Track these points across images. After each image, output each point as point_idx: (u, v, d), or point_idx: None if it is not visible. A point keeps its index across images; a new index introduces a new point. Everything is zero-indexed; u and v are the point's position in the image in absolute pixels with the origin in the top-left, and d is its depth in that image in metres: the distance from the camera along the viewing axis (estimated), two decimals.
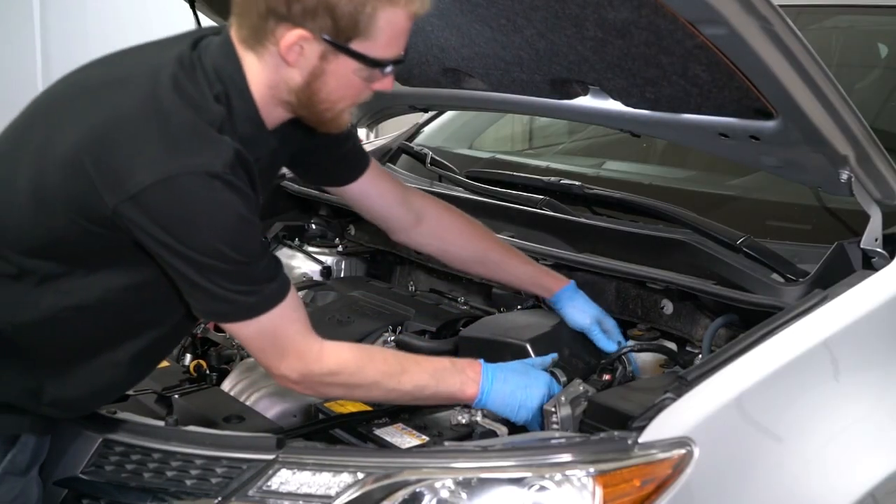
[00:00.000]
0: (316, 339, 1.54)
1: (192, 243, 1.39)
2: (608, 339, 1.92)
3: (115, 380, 1.61)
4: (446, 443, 1.62)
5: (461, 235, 1.97)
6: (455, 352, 1.97)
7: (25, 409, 1.53)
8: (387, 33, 1.44)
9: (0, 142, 1.57)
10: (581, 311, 1.93)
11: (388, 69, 1.51)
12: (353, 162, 1.86)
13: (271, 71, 1.47)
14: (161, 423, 1.66)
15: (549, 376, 1.70)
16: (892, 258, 1.68)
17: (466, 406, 1.75)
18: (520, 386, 1.65)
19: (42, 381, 1.53)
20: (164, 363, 2.06)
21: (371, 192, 1.89)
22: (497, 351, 1.85)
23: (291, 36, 1.41)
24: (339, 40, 1.43)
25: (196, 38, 1.53)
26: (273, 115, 1.53)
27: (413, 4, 1.45)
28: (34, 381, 1.53)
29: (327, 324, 2.12)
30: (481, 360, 1.67)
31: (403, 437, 1.66)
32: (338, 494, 1.39)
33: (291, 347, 1.51)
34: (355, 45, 1.44)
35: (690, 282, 1.82)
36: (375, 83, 1.52)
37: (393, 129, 3.09)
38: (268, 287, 1.47)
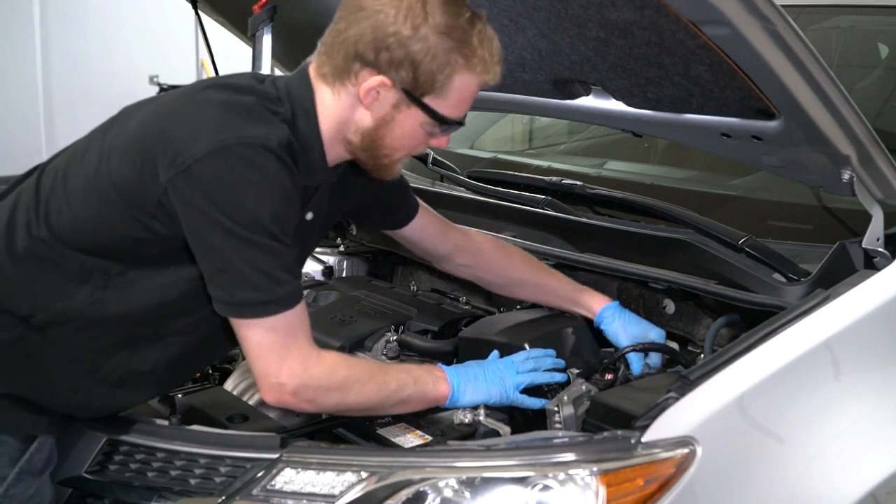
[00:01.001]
0: (314, 344, 1.56)
1: (237, 214, 1.43)
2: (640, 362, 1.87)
3: (137, 388, 1.62)
4: (449, 442, 1.63)
5: (497, 263, 2.04)
6: (455, 352, 1.97)
7: (46, 409, 1.54)
8: (457, 95, 1.55)
9: (79, 143, 1.63)
10: (623, 332, 1.93)
11: (451, 129, 1.61)
12: (406, 210, 1.96)
13: (344, 108, 1.56)
14: (165, 423, 1.67)
15: (497, 363, 1.77)
16: (893, 258, 1.68)
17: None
18: (479, 374, 1.72)
19: (70, 383, 1.55)
20: None
21: (419, 234, 1.99)
22: (497, 351, 1.85)
23: (373, 81, 1.51)
24: (416, 93, 1.52)
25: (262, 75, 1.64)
26: (333, 151, 1.61)
27: (487, 74, 1.56)
28: (63, 382, 1.54)
29: (329, 323, 2.13)
30: (439, 364, 1.75)
31: (406, 437, 1.66)
32: (341, 493, 1.39)
33: (296, 350, 1.52)
34: (428, 100, 1.53)
35: (692, 281, 1.82)
36: (433, 139, 1.62)
37: None
38: (294, 283, 1.51)
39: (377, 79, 1.51)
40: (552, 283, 2.03)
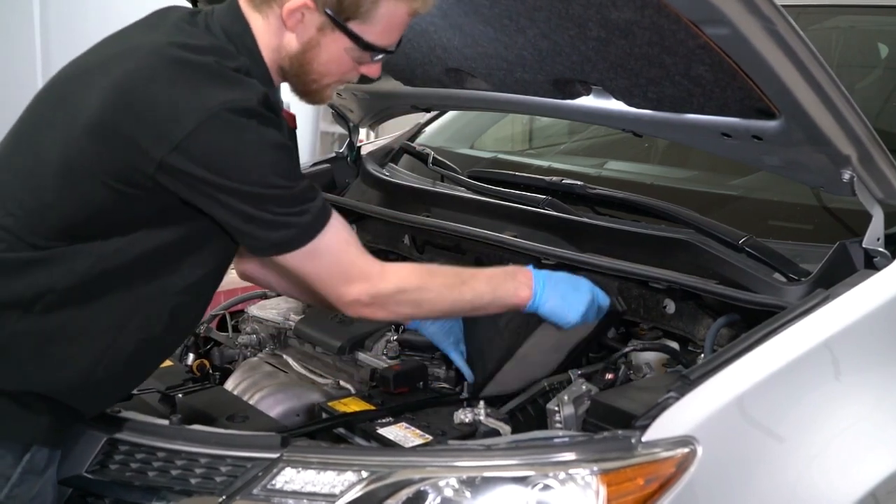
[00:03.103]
0: (375, 261, 1.59)
1: (242, 177, 1.44)
2: None
3: (150, 356, 1.62)
4: (450, 441, 1.63)
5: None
6: None
7: (49, 410, 1.51)
8: (384, 22, 1.53)
9: (16, 133, 1.59)
10: None
11: (379, 56, 1.59)
12: None
13: (273, 34, 1.55)
14: (165, 422, 1.67)
15: (591, 283, 1.79)
16: (893, 258, 1.68)
17: (469, 405, 1.76)
18: (569, 290, 1.74)
19: (87, 363, 1.52)
20: (168, 362, 2.08)
21: None
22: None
23: (296, 2, 1.50)
24: (340, 17, 1.51)
25: (191, 11, 1.59)
26: (275, 78, 1.61)
27: (416, 2, 1.54)
28: (76, 365, 1.51)
29: (330, 323, 2.13)
30: (531, 266, 1.75)
31: (407, 436, 1.66)
32: (342, 493, 1.39)
33: (355, 270, 1.56)
34: (353, 26, 1.52)
35: (693, 281, 1.82)
36: (364, 66, 1.61)
37: (394, 129, 3.10)
38: (314, 205, 1.51)
39: (300, 0, 1.50)
40: None
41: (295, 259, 1.52)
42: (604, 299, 1.80)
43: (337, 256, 1.55)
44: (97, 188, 1.46)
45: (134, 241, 1.51)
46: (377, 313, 1.61)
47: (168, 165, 1.42)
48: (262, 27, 1.55)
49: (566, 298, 1.72)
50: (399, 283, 1.59)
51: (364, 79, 1.68)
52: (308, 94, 1.64)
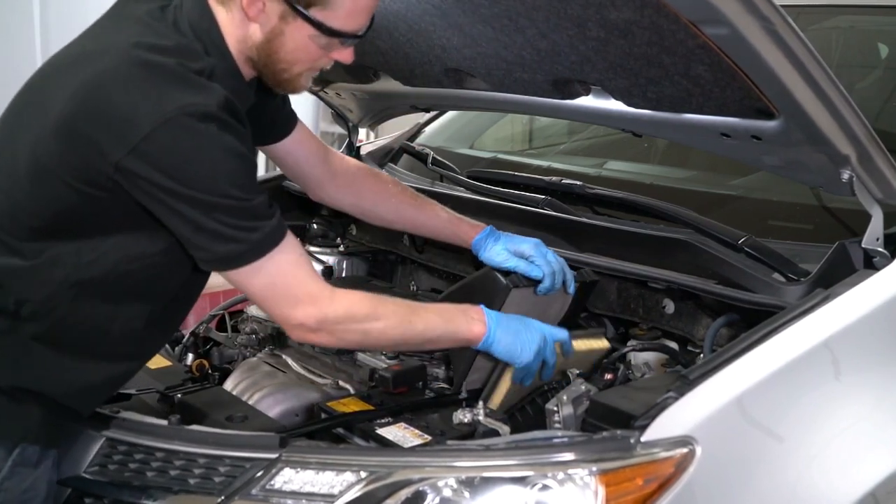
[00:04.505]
0: (325, 284, 1.57)
1: (195, 184, 1.41)
2: (535, 265, 1.90)
3: (137, 356, 1.63)
4: (449, 441, 1.62)
5: (374, 190, 2.04)
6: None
7: (42, 406, 1.52)
8: (347, 7, 1.52)
9: (0, 130, 1.59)
10: (497, 254, 1.95)
11: (347, 42, 1.57)
12: (284, 120, 1.90)
13: (238, 26, 1.54)
14: (164, 423, 1.67)
15: (541, 325, 1.76)
16: (893, 258, 1.68)
17: (469, 405, 1.76)
18: (520, 328, 1.72)
19: (72, 365, 1.53)
20: (167, 363, 2.08)
21: (298, 152, 1.94)
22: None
23: None
24: (299, 4, 1.49)
25: (161, 5, 1.56)
26: (244, 70, 1.59)
27: None
28: (64, 367, 1.53)
29: None
30: (482, 305, 1.73)
31: (406, 436, 1.66)
32: (341, 493, 1.39)
33: (303, 292, 1.53)
34: (314, 12, 1.50)
35: (692, 281, 1.82)
36: (333, 52, 1.59)
37: (393, 129, 3.10)
38: (268, 224, 1.49)
39: None
40: (427, 213, 2.04)
41: (240, 276, 1.50)
42: (558, 334, 1.77)
43: (285, 277, 1.51)
44: (61, 188, 1.45)
45: (108, 252, 1.50)
46: (323, 339, 1.58)
47: (124, 168, 1.41)
48: (227, 20, 1.54)
49: (518, 336, 1.71)
50: (348, 309, 1.56)
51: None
52: (280, 83, 1.62)
